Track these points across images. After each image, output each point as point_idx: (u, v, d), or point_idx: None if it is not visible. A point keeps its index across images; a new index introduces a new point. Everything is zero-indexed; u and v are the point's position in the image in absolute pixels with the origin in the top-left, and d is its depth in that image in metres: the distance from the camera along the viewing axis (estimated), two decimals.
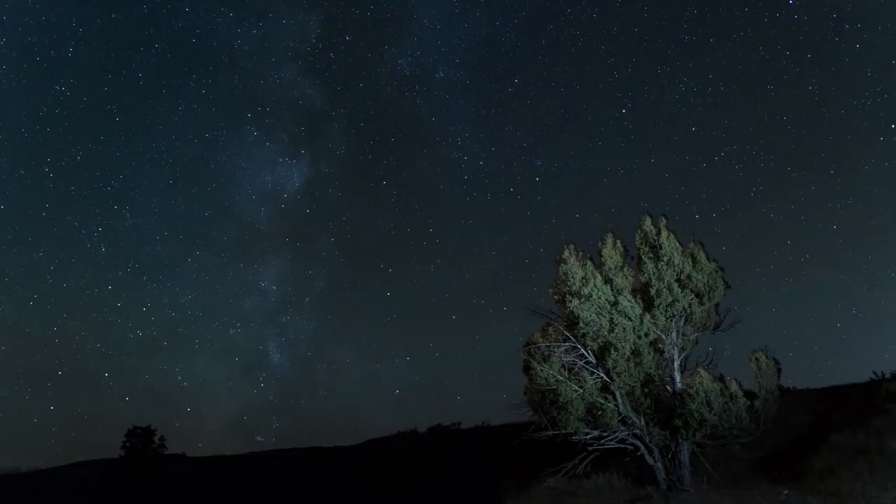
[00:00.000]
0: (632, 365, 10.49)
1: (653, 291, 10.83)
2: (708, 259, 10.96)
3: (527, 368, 11.20)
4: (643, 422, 10.63)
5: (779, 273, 35.29)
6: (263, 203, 39.00)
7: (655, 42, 36.55)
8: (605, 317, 10.67)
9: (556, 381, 10.63)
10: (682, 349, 10.94)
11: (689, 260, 10.93)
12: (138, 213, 36.99)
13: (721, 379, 10.23)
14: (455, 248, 40.81)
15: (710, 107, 35.22)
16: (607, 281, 11.04)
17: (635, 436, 10.72)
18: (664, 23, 36.34)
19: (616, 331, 10.49)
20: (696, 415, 9.95)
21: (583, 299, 10.70)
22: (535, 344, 11.18)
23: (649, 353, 10.61)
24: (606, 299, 10.70)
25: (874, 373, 15.13)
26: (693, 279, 10.79)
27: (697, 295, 10.82)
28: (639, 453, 10.78)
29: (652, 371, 10.64)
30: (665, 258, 10.86)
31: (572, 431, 10.52)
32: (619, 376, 10.45)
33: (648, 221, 11.25)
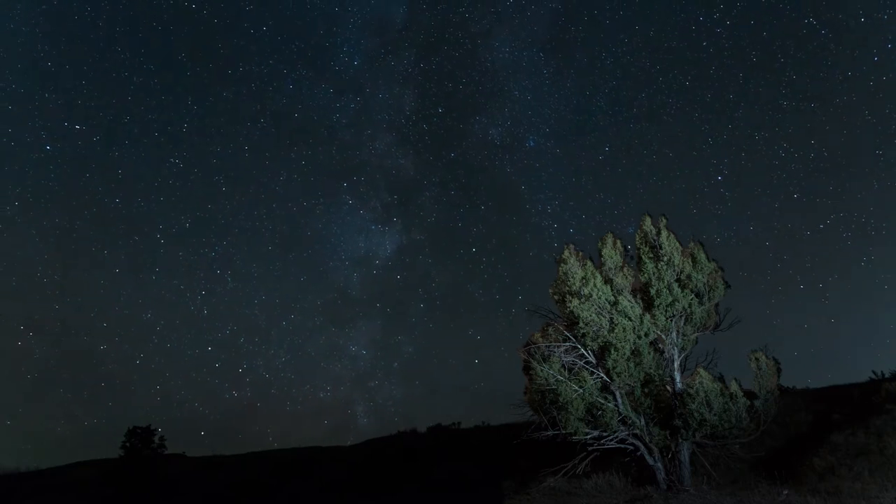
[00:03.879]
0: (632, 365, 10.48)
1: (653, 291, 10.82)
2: (708, 259, 10.95)
3: (527, 368, 11.19)
4: (643, 422, 10.63)
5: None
6: (356, 269, 40.44)
7: (752, 108, 36.14)
8: (605, 317, 10.66)
9: (556, 381, 10.63)
10: (682, 349, 10.93)
11: (689, 260, 10.92)
12: (239, 277, 38.82)
13: (721, 379, 10.23)
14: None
15: (811, 173, 34.17)
16: (607, 281, 11.03)
17: (635, 436, 10.71)
18: (760, 88, 36.04)
19: (616, 331, 10.48)
20: (696, 415, 9.95)
21: (583, 299, 10.70)
22: (535, 344, 11.17)
23: (649, 353, 10.61)
24: (606, 299, 10.70)
25: (874, 373, 15.16)
26: (693, 279, 10.79)
27: (697, 295, 10.81)
28: (639, 453, 10.78)
29: (652, 371, 10.63)
30: (665, 258, 10.86)
31: (572, 431, 10.51)
32: (619, 376, 10.44)
33: (648, 221, 11.24)
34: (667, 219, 11.21)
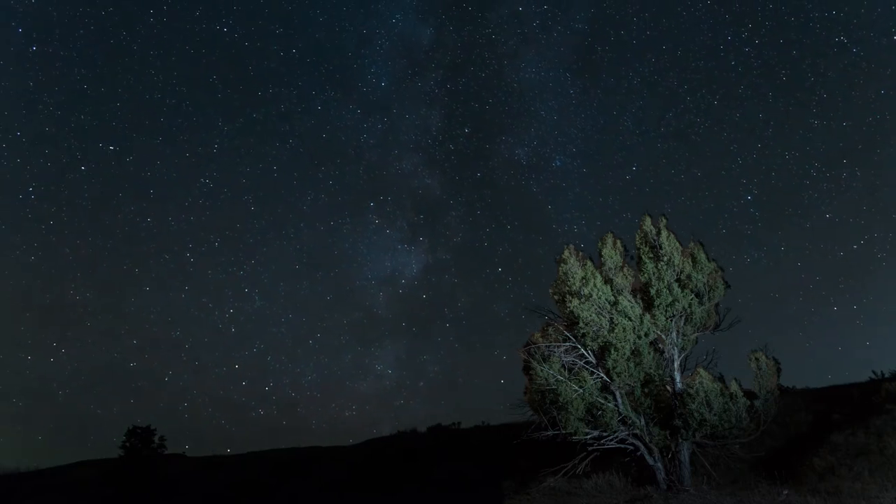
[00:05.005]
0: (632, 365, 10.48)
1: (653, 291, 10.82)
2: (708, 259, 10.95)
3: (527, 368, 11.19)
4: (643, 422, 10.63)
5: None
6: (382, 288, 40.60)
7: (782, 127, 35.93)
8: (605, 317, 10.66)
9: (556, 381, 10.63)
10: (682, 349, 10.93)
11: (689, 260, 10.92)
12: (266, 295, 39.43)
13: (721, 379, 10.22)
14: None
15: (843, 192, 33.94)
16: (607, 281, 11.03)
17: (635, 436, 10.71)
18: (790, 107, 35.83)
19: (616, 331, 10.47)
20: (696, 415, 9.95)
21: (583, 299, 10.69)
22: (535, 344, 11.17)
23: (649, 353, 10.60)
24: (606, 299, 10.70)
25: (874, 373, 15.17)
26: (693, 279, 10.78)
27: (697, 295, 10.81)
28: (639, 453, 10.78)
29: (652, 371, 10.63)
30: (665, 258, 10.85)
31: (572, 431, 10.51)
32: (619, 376, 10.44)
33: (648, 221, 11.24)
34: (667, 219, 11.22)
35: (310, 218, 40.96)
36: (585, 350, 10.94)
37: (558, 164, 39.50)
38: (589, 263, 11.04)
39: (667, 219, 11.21)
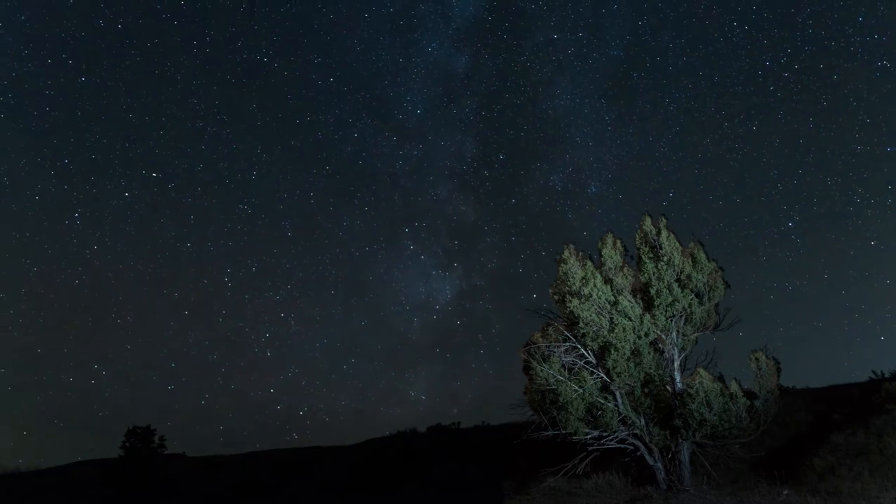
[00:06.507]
0: (632, 365, 10.48)
1: (653, 291, 10.82)
2: (708, 259, 10.95)
3: (527, 368, 11.19)
4: (643, 422, 10.63)
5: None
6: (416, 314, 40.94)
7: (823, 153, 35.11)
8: (605, 317, 10.66)
9: (556, 380, 10.63)
10: (682, 349, 10.93)
11: (689, 260, 10.92)
12: (302, 320, 40.30)
13: (721, 379, 10.23)
14: None
15: (889, 219, 32.76)
16: (607, 281, 11.03)
17: (635, 436, 10.71)
18: (832, 133, 35.01)
19: (616, 331, 10.48)
20: (696, 415, 9.95)
21: (583, 299, 10.69)
22: (535, 344, 11.17)
23: (649, 353, 10.61)
24: (606, 299, 10.70)
25: (874, 373, 15.16)
26: (693, 279, 10.78)
27: (697, 295, 10.81)
28: (639, 453, 10.78)
29: (652, 371, 10.63)
30: (665, 258, 10.85)
31: (572, 431, 10.51)
32: (619, 376, 10.44)
33: (648, 221, 11.24)
34: (667, 219, 11.22)
35: (345, 244, 41.48)
36: (585, 350, 10.94)
37: (593, 190, 39.22)
38: (589, 263, 11.05)
39: (667, 219, 11.22)
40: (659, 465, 10.62)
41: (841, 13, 33.58)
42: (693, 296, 10.74)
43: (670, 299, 10.64)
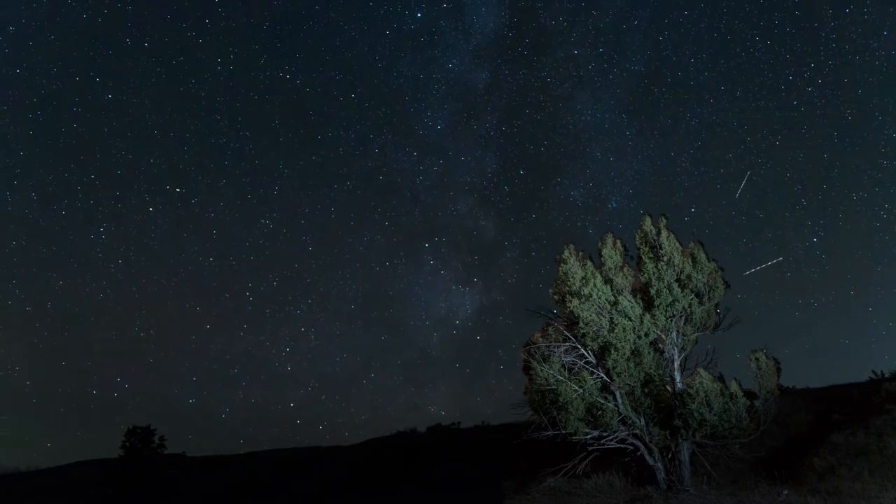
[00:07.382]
0: (632, 365, 10.48)
1: (653, 291, 10.82)
2: (708, 259, 10.95)
3: (527, 368, 11.19)
4: (643, 422, 10.63)
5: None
6: (436, 329, 41.10)
7: (848, 168, 34.81)
8: (605, 317, 10.66)
9: (556, 380, 10.63)
10: (682, 349, 10.93)
11: (689, 260, 10.92)
12: (322, 335, 40.46)
13: (721, 379, 10.22)
14: None
15: None
16: (607, 281, 11.03)
17: (635, 436, 10.71)
18: (857, 147, 34.95)
19: (616, 331, 10.48)
20: (696, 415, 9.95)
21: (583, 299, 10.69)
22: (535, 344, 11.17)
23: (649, 353, 10.61)
24: (606, 299, 10.70)
25: (874, 373, 15.16)
26: (693, 279, 10.78)
27: (697, 295, 10.81)
28: (639, 453, 10.78)
29: (652, 371, 10.63)
30: (665, 258, 10.85)
31: (572, 431, 10.51)
32: (619, 376, 10.44)
33: (648, 221, 11.23)
34: (667, 219, 11.22)
35: (366, 258, 41.83)
36: (585, 350, 10.94)
37: (614, 205, 38.97)
38: (589, 263, 11.04)
39: (667, 219, 11.22)
40: (659, 465, 10.62)
41: (865, 27, 33.34)
42: (693, 296, 10.74)
43: (670, 299, 10.64)
